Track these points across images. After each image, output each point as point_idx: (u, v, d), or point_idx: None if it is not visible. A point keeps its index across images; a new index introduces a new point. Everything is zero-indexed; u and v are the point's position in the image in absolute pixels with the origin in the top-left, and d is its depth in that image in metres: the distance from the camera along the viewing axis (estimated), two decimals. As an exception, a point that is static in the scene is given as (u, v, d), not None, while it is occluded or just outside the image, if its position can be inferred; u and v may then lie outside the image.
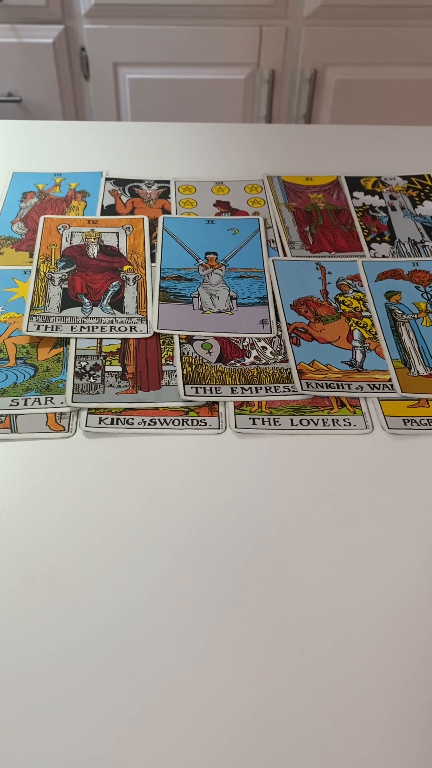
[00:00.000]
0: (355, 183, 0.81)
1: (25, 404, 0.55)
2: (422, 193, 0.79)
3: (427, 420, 0.55)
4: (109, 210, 0.76)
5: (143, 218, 0.74)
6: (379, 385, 0.58)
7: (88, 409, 0.55)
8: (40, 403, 0.55)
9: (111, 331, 0.61)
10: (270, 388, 0.57)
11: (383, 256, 0.71)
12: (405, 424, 0.55)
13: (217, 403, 0.56)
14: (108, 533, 0.47)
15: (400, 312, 0.64)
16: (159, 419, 0.54)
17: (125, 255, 0.69)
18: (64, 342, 0.60)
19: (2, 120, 0.90)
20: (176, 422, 0.54)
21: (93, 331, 0.61)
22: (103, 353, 0.59)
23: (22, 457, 0.52)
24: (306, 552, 0.47)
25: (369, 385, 0.57)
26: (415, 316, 0.64)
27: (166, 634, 0.42)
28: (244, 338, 0.61)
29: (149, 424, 0.54)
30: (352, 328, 0.62)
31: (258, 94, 1.39)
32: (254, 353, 0.60)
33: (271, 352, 0.60)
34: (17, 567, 0.45)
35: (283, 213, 0.76)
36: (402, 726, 0.39)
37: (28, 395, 0.56)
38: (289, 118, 1.45)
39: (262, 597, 0.44)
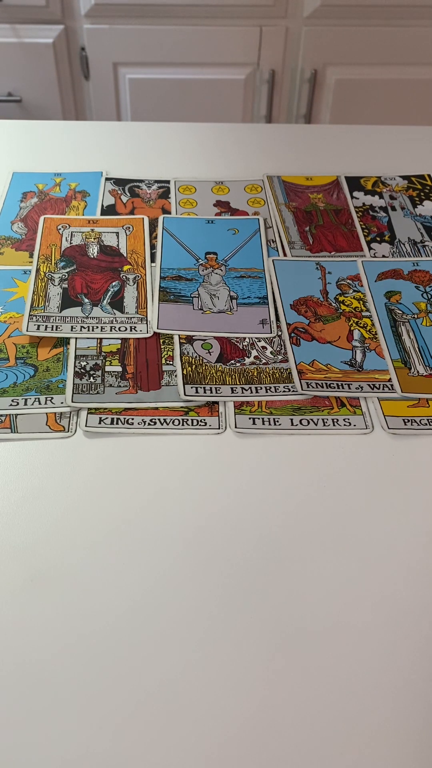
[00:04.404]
0: (355, 183, 0.81)
1: (25, 404, 0.55)
2: (422, 193, 0.79)
3: (427, 420, 0.55)
4: (109, 210, 0.76)
5: (143, 218, 0.74)
6: (379, 385, 0.58)
7: (88, 409, 0.55)
8: (40, 403, 0.55)
9: (111, 331, 0.61)
10: (270, 388, 0.57)
11: (383, 256, 0.71)
12: (405, 424, 0.55)
13: (217, 403, 0.56)
14: (108, 533, 0.47)
15: (400, 312, 0.64)
16: (159, 419, 0.54)
17: (125, 255, 0.69)
18: (64, 342, 0.60)
19: (2, 120, 0.90)
20: (176, 422, 0.54)
21: (93, 331, 0.61)
22: (103, 353, 0.59)
23: (22, 457, 0.52)
24: (306, 551, 0.47)
25: (369, 385, 0.57)
26: (415, 316, 0.64)
27: (165, 634, 0.42)
28: (244, 338, 0.61)
29: (149, 424, 0.54)
30: (352, 328, 0.62)
31: (258, 94, 1.39)
32: (254, 353, 0.60)
33: (271, 352, 0.60)
34: (17, 567, 0.45)
35: (283, 213, 0.76)
36: (402, 725, 0.39)
37: (28, 395, 0.56)
38: (289, 118, 1.45)
39: (261, 596, 0.44)
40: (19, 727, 0.39)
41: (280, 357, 0.60)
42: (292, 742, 0.38)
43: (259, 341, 0.61)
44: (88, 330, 0.61)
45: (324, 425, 0.55)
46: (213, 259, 0.69)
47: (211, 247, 0.71)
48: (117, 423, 0.54)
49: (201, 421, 0.54)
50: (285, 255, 0.70)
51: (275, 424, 0.54)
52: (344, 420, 0.55)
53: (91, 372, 0.58)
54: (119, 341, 0.61)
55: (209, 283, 0.67)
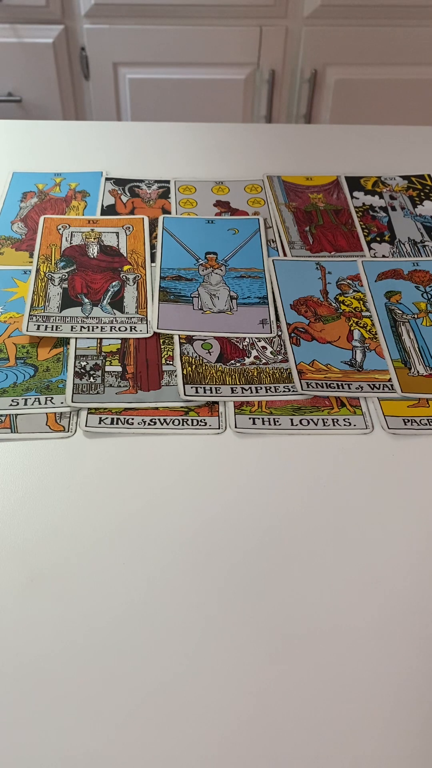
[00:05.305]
0: (355, 183, 0.81)
1: (25, 404, 0.55)
2: (422, 193, 0.79)
3: (427, 420, 0.55)
4: (109, 210, 0.76)
5: (143, 218, 0.74)
6: (379, 385, 0.58)
7: (88, 409, 0.55)
8: (40, 403, 0.55)
9: (111, 331, 0.61)
10: (270, 388, 0.57)
11: (383, 256, 0.71)
12: (405, 424, 0.55)
13: (217, 403, 0.56)
14: (108, 533, 0.47)
15: (400, 312, 0.64)
16: (159, 419, 0.54)
17: (125, 255, 0.69)
18: (64, 342, 0.60)
19: (2, 120, 0.90)
20: (176, 422, 0.54)
21: (93, 331, 0.61)
22: (103, 353, 0.59)
23: (22, 457, 0.52)
24: (305, 552, 0.47)
25: (369, 385, 0.57)
26: (415, 316, 0.64)
27: (165, 634, 0.42)
28: (244, 338, 0.61)
29: (149, 424, 0.54)
30: (352, 328, 0.62)
31: (258, 94, 1.39)
32: (254, 353, 0.60)
33: (271, 352, 0.60)
34: (17, 567, 0.45)
35: (283, 213, 0.76)
36: (401, 725, 0.39)
37: (28, 395, 0.56)
38: (289, 118, 1.45)
39: (261, 596, 0.44)
40: (19, 726, 0.39)
41: (280, 357, 0.60)
42: (292, 743, 0.38)
43: (259, 341, 0.61)
44: (88, 330, 0.61)
45: (324, 425, 0.55)
46: (213, 259, 0.69)
47: (211, 247, 0.71)
48: (117, 423, 0.54)
49: (201, 421, 0.54)
50: (285, 255, 0.70)
51: (275, 424, 0.54)
52: (344, 420, 0.55)
53: (91, 372, 0.58)
54: (119, 341, 0.61)
55: (209, 283, 0.67)
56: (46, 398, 0.56)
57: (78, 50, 1.33)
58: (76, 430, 0.54)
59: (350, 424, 0.55)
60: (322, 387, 0.57)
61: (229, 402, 0.56)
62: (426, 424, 0.55)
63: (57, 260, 0.68)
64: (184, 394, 0.56)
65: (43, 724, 0.39)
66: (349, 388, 0.57)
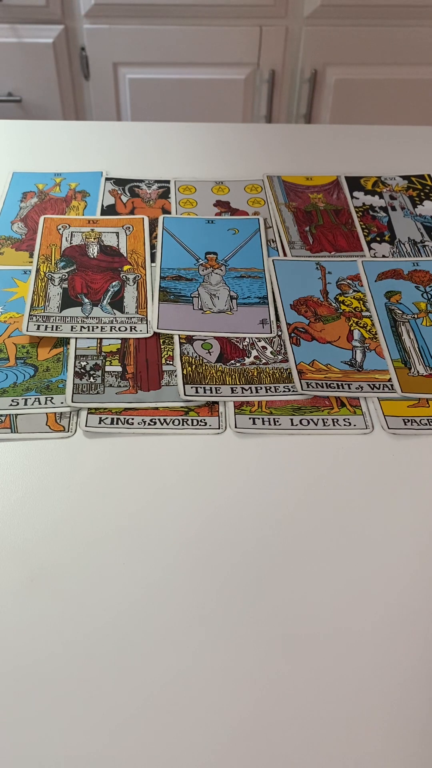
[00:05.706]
0: (355, 183, 0.81)
1: (25, 404, 0.55)
2: (422, 193, 0.79)
3: (427, 420, 0.55)
4: (109, 210, 0.76)
5: (143, 218, 0.74)
6: (379, 385, 0.58)
7: (88, 409, 0.55)
8: (40, 403, 0.55)
9: (111, 331, 0.61)
10: (270, 388, 0.57)
11: (383, 256, 0.71)
12: (405, 424, 0.55)
13: (217, 403, 0.56)
14: (108, 533, 0.47)
15: (400, 312, 0.64)
16: (159, 419, 0.54)
17: (125, 255, 0.69)
18: (64, 342, 0.60)
19: (2, 120, 0.90)
20: (176, 422, 0.54)
21: (93, 331, 0.61)
22: (103, 353, 0.59)
23: (22, 457, 0.52)
24: (305, 552, 0.47)
25: (369, 385, 0.57)
26: (415, 316, 0.64)
27: (165, 634, 0.42)
28: (244, 338, 0.61)
29: (149, 424, 0.54)
30: (352, 328, 0.62)
31: (258, 94, 1.39)
32: (254, 353, 0.60)
33: (271, 352, 0.60)
34: (17, 567, 0.45)
35: (283, 213, 0.76)
36: (401, 725, 0.39)
37: (28, 395, 0.56)
38: (289, 118, 1.45)
39: (261, 596, 0.44)
40: (19, 726, 0.39)
41: (280, 357, 0.60)
42: (292, 743, 0.38)
43: (259, 341, 0.61)
44: (88, 330, 0.61)
45: (324, 425, 0.55)
46: (213, 259, 0.69)
47: (211, 247, 0.71)
48: (117, 423, 0.54)
49: (201, 421, 0.54)
50: (285, 255, 0.70)
51: (275, 424, 0.54)
52: (344, 420, 0.55)
53: (91, 372, 0.58)
54: (119, 341, 0.61)
55: (209, 283, 0.67)
56: (46, 398, 0.56)
57: (78, 50, 1.33)
58: (76, 430, 0.54)
59: (350, 424, 0.55)
60: (322, 387, 0.57)
61: (229, 402, 0.56)
62: (426, 424, 0.55)
63: (57, 260, 0.68)
64: (184, 394, 0.56)
65: (43, 724, 0.39)
66: (349, 388, 0.57)
